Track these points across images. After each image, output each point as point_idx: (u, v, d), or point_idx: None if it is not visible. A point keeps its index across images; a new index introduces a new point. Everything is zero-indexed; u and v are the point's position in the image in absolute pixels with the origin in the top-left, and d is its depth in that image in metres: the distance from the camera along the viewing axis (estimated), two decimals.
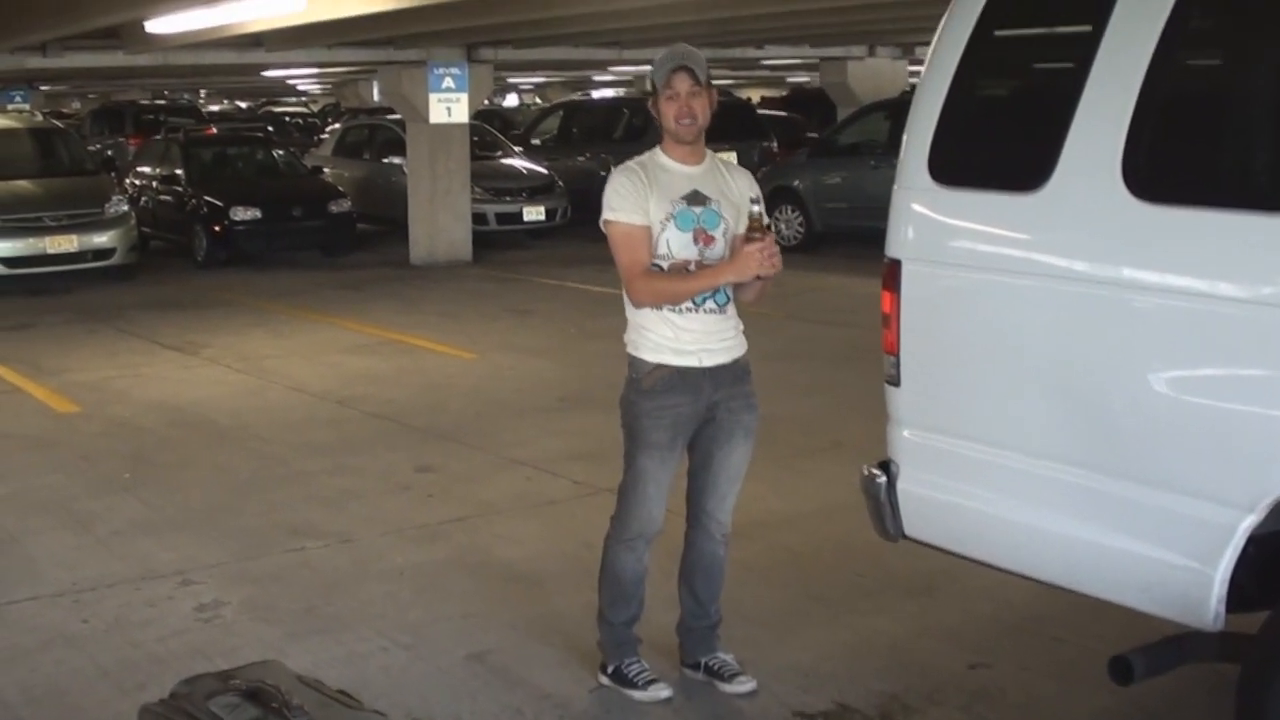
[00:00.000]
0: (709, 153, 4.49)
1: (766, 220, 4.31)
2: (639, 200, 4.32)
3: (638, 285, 4.35)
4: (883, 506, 4.29)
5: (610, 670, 4.69)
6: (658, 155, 4.43)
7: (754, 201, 4.34)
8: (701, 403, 4.43)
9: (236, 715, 2.83)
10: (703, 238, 4.35)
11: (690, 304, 4.37)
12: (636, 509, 4.50)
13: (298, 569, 5.99)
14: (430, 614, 5.43)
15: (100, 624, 5.38)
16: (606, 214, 4.37)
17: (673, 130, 4.36)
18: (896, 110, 16.51)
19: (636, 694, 4.60)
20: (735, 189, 4.45)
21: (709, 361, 4.40)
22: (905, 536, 4.31)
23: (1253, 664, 3.54)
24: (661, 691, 4.60)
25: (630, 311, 4.47)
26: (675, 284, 4.34)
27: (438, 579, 5.83)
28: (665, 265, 4.35)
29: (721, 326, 4.42)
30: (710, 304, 4.39)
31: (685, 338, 4.38)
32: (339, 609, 5.50)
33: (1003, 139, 4.27)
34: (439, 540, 6.33)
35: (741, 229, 4.39)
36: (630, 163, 4.44)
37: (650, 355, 4.41)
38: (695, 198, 4.37)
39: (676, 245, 4.34)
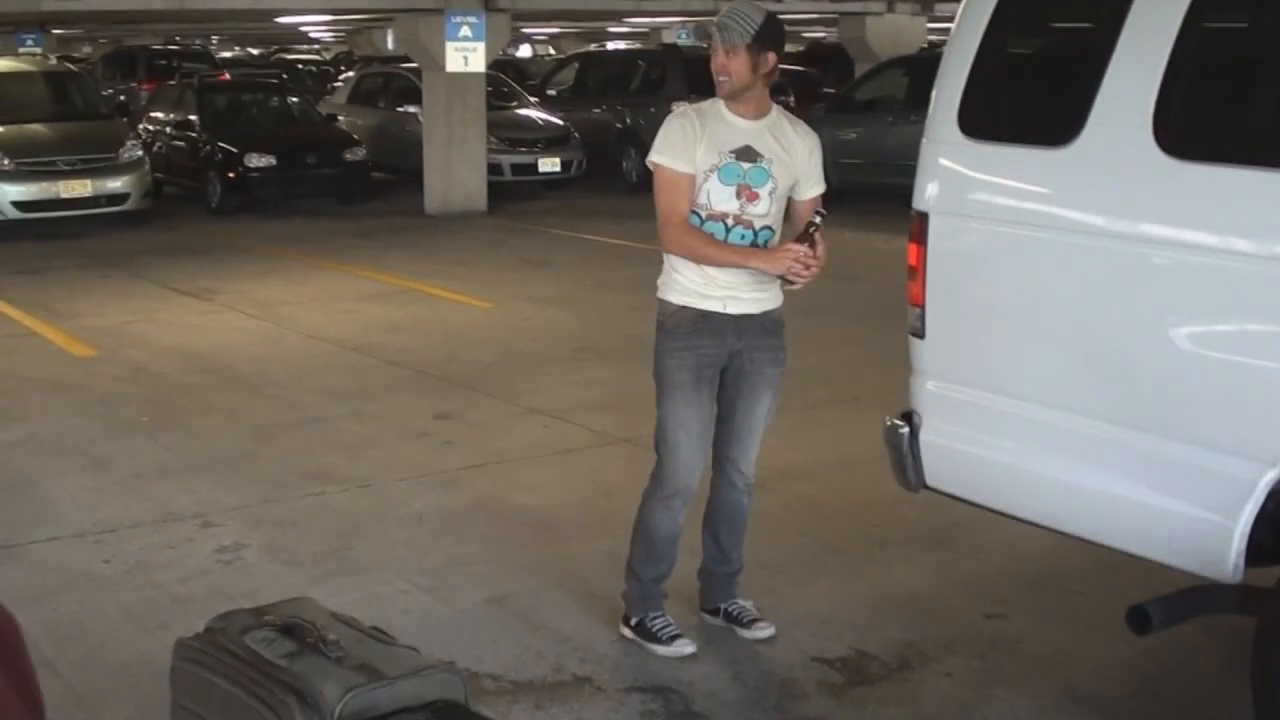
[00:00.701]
0: (775, 109, 4.45)
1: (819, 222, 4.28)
2: (687, 148, 4.32)
3: (671, 233, 4.36)
4: (905, 457, 4.32)
5: (634, 623, 4.67)
6: (718, 104, 4.41)
7: (815, 212, 4.33)
8: (725, 349, 4.43)
9: (273, 649, 2.85)
10: (746, 193, 4.34)
11: None
12: (670, 460, 4.49)
13: (317, 513, 6.03)
14: (450, 558, 5.48)
15: (121, 565, 5.42)
16: (654, 156, 4.38)
17: (715, 81, 4.37)
18: (915, 67, 16.42)
19: (660, 649, 4.58)
20: (792, 150, 4.41)
21: (734, 309, 4.40)
22: (926, 487, 4.34)
23: (1269, 617, 3.58)
24: (685, 648, 4.58)
25: (666, 254, 4.47)
26: (705, 248, 4.34)
27: (457, 524, 5.87)
28: (703, 215, 4.35)
29: (754, 280, 4.39)
30: None
31: (714, 286, 4.38)
32: (359, 553, 5.54)
33: (1033, 94, 4.27)
34: (458, 486, 6.37)
35: (795, 193, 4.41)
36: (689, 108, 4.43)
37: (676, 297, 4.43)
38: (746, 153, 4.34)
39: (716, 197, 4.34)
